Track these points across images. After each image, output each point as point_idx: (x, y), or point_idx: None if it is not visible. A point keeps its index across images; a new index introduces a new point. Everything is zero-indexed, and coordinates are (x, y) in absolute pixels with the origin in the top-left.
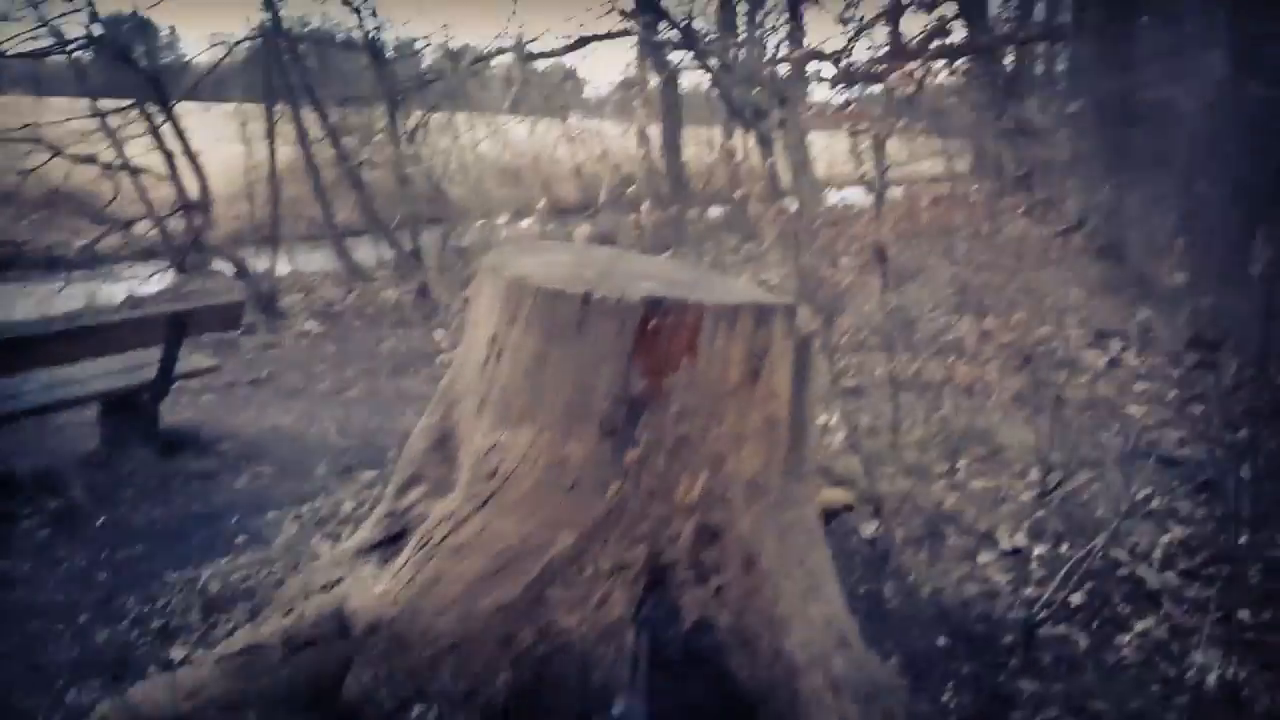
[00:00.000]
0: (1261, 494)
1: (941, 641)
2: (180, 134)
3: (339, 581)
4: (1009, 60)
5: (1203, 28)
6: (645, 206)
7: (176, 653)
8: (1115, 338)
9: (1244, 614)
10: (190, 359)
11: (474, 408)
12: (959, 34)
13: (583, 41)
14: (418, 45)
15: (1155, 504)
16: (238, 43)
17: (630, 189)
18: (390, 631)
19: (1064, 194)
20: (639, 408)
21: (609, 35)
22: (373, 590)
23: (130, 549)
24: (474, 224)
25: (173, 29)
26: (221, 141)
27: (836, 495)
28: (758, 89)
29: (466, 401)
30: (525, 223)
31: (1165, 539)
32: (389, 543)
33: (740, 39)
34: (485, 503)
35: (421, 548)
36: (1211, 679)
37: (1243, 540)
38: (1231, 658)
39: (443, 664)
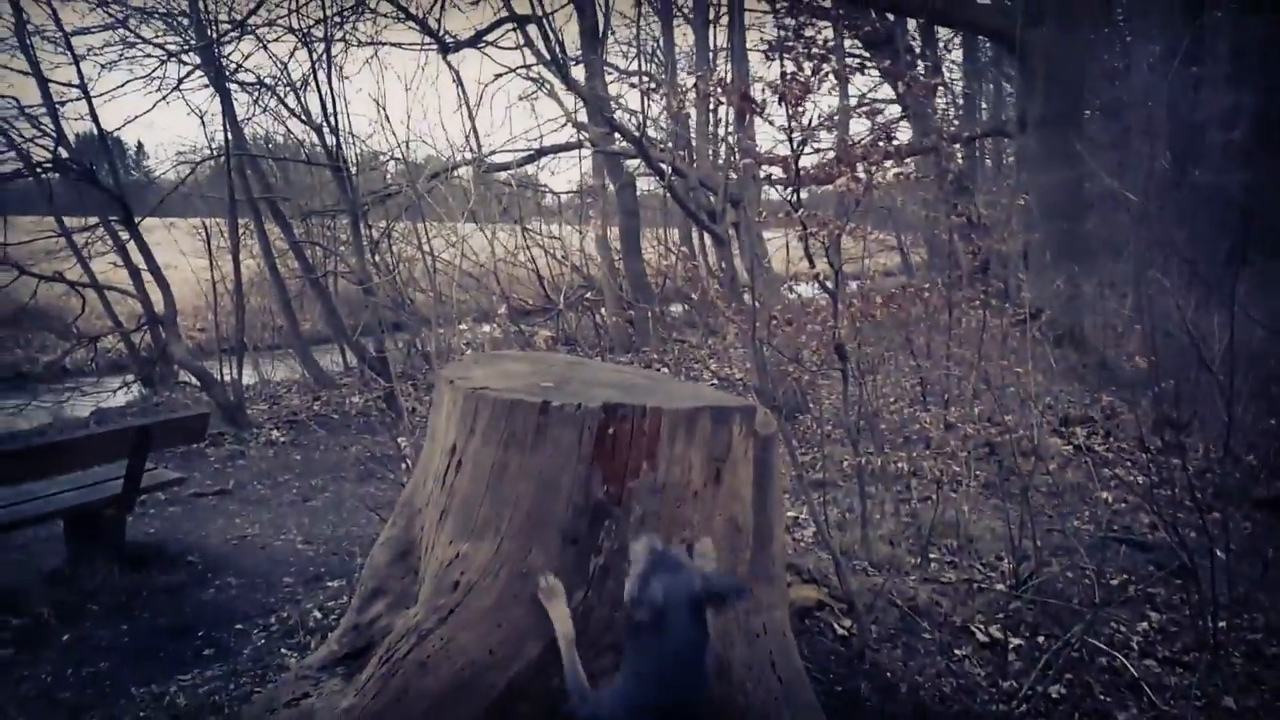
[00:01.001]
0: (1237, 576)
1: None
2: (145, 249)
3: (304, 697)
4: (958, 157)
5: (1142, 119)
6: (605, 308)
7: None
8: (1080, 425)
9: (1229, 701)
10: (156, 472)
11: (435, 519)
12: (905, 135)
13: (540, 153)
14: (379, 159)
15: (1131, 591)
16: (201, 161)
17: (590, 292)
18: None
19: (1019, 284)
20: (601, 515)
21: (565, 146)
22: (339, 705)
23: (95, 665)
24: (437, 330)
25: (140, 145)
26: (187, 256)
27: (808, 593)
28: (711, 193)
29: (428, 512)
30: (487, 328)
31: (1143, 625)
32: (354, 656)
33: (693, 144)
34: (449, 615)
35: (386, 662)
36: None
37: (1222, 624)
38: None
39: None
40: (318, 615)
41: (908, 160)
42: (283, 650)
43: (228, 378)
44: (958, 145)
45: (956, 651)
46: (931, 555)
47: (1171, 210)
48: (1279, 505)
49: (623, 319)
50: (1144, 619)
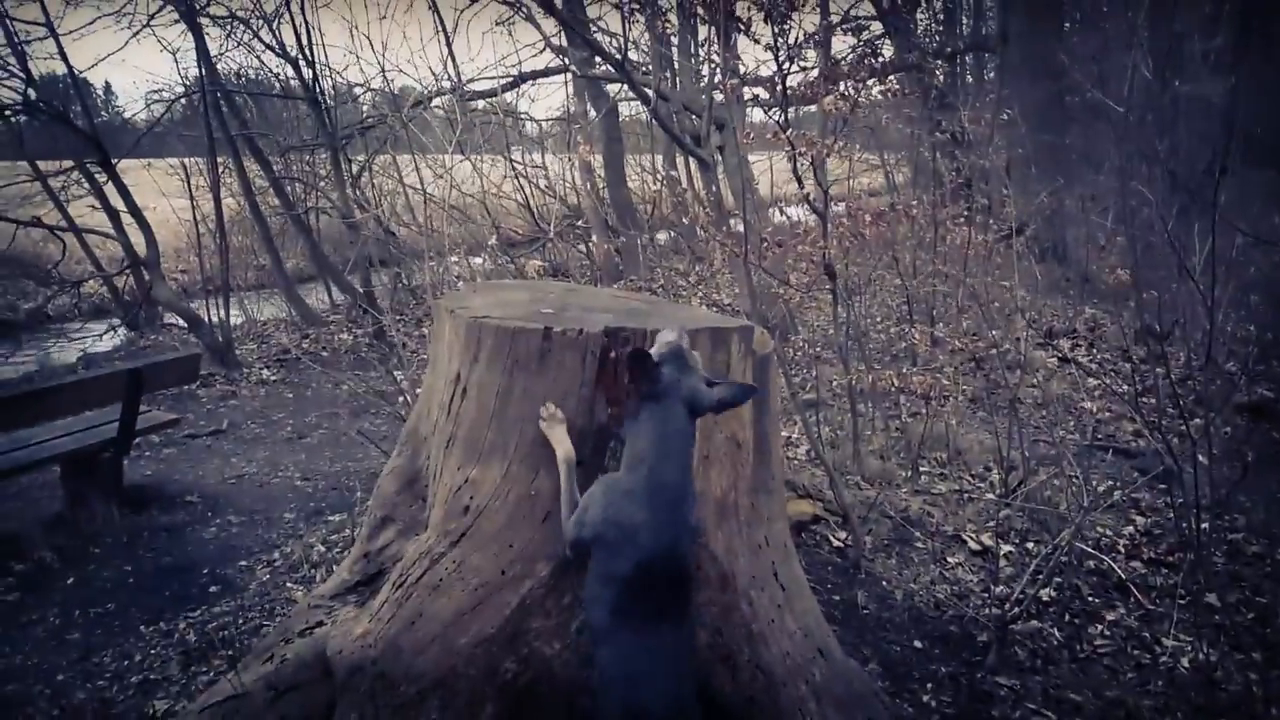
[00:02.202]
0: (1219, 480)
1: (918, 644)
2: (124, 191)
3: (318, 625)
4: (940, 74)
5: (1124, 30)
6: (594, 237)
7: (158, 705)
8: (1065, 337)
9: (1211, 598)
10: (150, 414)
11: (442, 445)
12: (889, 52)
13: (520, 79)
14: (356, 91)
15: (1116, 496)
16: (176, 99)
17: (578, 221)
18: (374, 671)
19: (1002, 200)
20: (605, 437)
21: (545, 72)
22: (353, 631)
23: (102, 606)
24: (429, 263)
25: (108, 85)
26: (166, 196)
27: (804, 508)
28: (695, 116)
29: (434, 440)
30: (477, 260)
31: (1129, 529)
32: (365, 583)
33: (675, 67)
34: (460, 539)
35: (399, 586)
36: (1184, 663)
37: (1204, 526)
38: (1202, 641)
39: (429, 700)
40: (321, 549)
41: (891, 78)
42: (288, 584)
43: (214, 318)
44: (940, 61)
45: (949, 559)
46: (922, 468)
47: (1153, 121)
48: (1258, 410)
49: (610, 247)
50: (1129, 523)
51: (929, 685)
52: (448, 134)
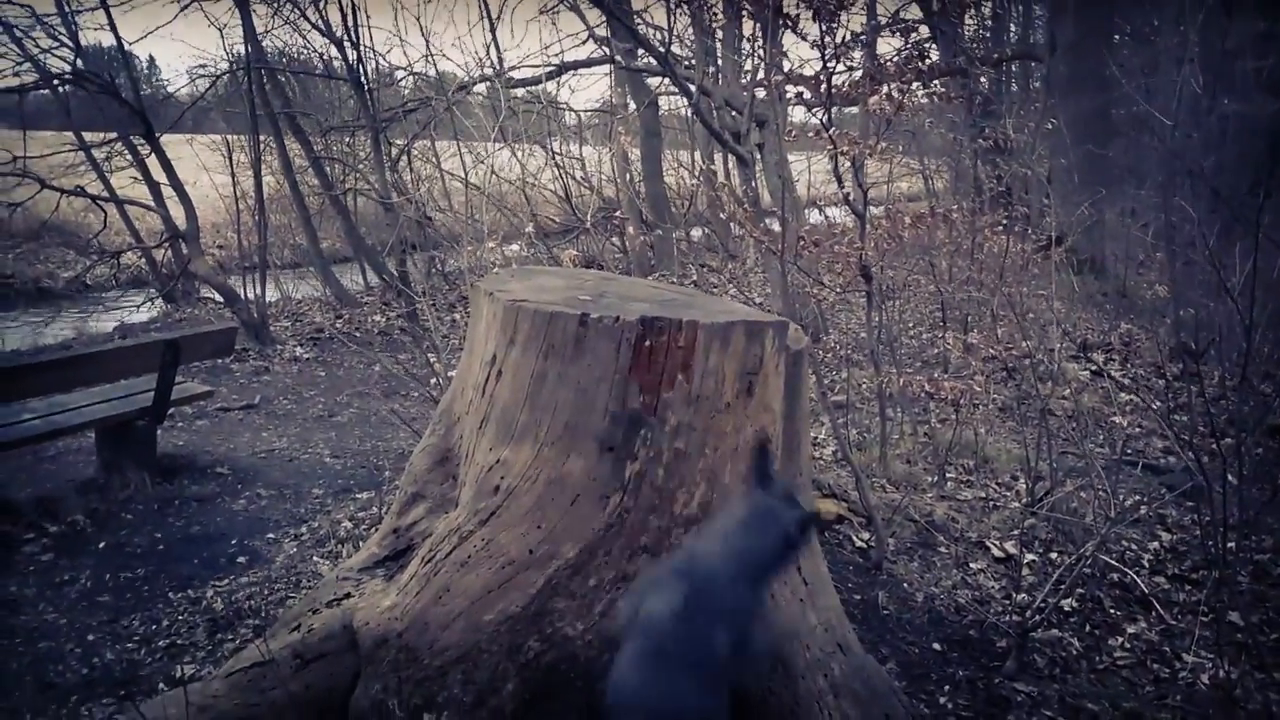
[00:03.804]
0: (1247, 500)
1: (937, 646)
2: (167, 164)
3: (346, 597)
4: (985, 80)
5: (1175, 45)
6: (629, 230)
7: (185, 670)
8: (1099, 350)
9: (1234, 616)
10: (185, 385)
11: (475, 426)
12: (935, 55)
13: (562, 69)
14: (399, 74)
15: (1143, 511)
16: (220, 75)
17: (614, 213)
18: (399, 644)
19: (1042, 210)
20: (637, 424)
21: (587, 63)
22: (380, 604)
23: (133, 571)
24: (461, 249)
25: (151, 59)
26: (207, 172)
27: (829, 507)
28: (736, 113)
29: (467, 420)
30: (513, 247)
31: (1154, 545)
32: (394, 558)
33: (718, 63)
34: (490, 518)
35: (428, 562)
36: (1204, 679)
37: (1230, 545)
38: (1223, 659)
39: (451, 674)
40: (348, 525)
41: (936, 82)
42: (315, 558)
43: (250, 294)
44: (986, 68)
45: (972, 565)
46: (949, 474)
47: (1199, 138)
48: None
49: (645, 241)
50: (1155, 538)
51: (946, 687)
52: (489, 120)
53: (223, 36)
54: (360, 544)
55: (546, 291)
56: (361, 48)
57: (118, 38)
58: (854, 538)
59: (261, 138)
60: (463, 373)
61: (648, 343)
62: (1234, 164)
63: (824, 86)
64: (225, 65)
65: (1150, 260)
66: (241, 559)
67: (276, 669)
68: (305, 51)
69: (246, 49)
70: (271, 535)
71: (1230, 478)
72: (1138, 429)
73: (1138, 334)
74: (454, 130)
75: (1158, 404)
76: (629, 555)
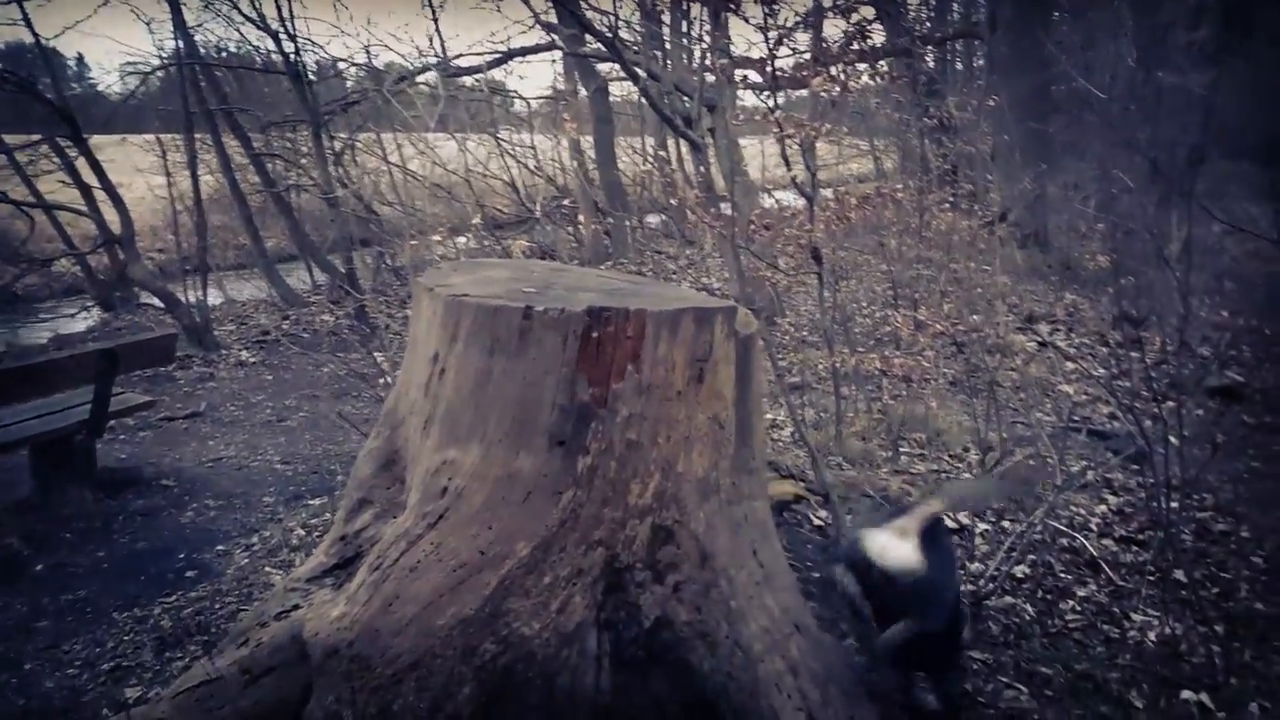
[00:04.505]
0: (1189, 460)
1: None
2: (97, 167)
3: (294, 608)
4: (929, 59)
5: (1110, 20)
6: (583, 218)
7: (130, 693)
8: (1044, 321)
9: (1179, 574)
10: (125, 395)
11: (420, 427)
12: (879, 37)
13: (508, 56)
14: (340, 66)
15: (1090, 476)
16: (151, 71)
17: (566, 201)
18: (350, 653)
19: (987, 186)
20: (587, 416)
21: (534, 49)
22: (330, 614)
23: (74, 592)
24: (408, 244)
25: (80, 57)
26: (142, 173)
27: (786, 488)
28: (686, 98)
29: (411, 421)
30: (461, 239)
31: (1101, 508)
32: (342, 567)
33: (666, 47)
34: (438, 521)
35: (376, 569)
36: (1151, 636)
37: (1174, 505)
38: (1169, 616)
39: (405, 681)
40: (300, 533)
41: (881, 62)
42: (267, 569)
43: (192, 298)
44: (930, 47)
45: None
46: (902, 449)
47: (1136, 110)
48: (1229, 393)
49: (599, 229)
50: (1102, 502)
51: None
52: (431, 111)
53: (151, 31)
54: (314, 551)
55: (491, 284)
56: (298, 40)
57: (34, 33)
58: (812, 516)
59: (198, 136)
60: (406, 373)
61: (595, 334)
62: (1169, 135)
63: (769, 69)
64: (157, 61)
65: (1092, 232)
66: (190, 573)
67: (225, 686)
68: (242, 45)
69: (177, 44)
70: (221, 547)
71: (1172, 439)
72: (1083, 396)
73: (1081, 304)
74: (395, 122)
75: (1102, 371)
76: (584, 550)
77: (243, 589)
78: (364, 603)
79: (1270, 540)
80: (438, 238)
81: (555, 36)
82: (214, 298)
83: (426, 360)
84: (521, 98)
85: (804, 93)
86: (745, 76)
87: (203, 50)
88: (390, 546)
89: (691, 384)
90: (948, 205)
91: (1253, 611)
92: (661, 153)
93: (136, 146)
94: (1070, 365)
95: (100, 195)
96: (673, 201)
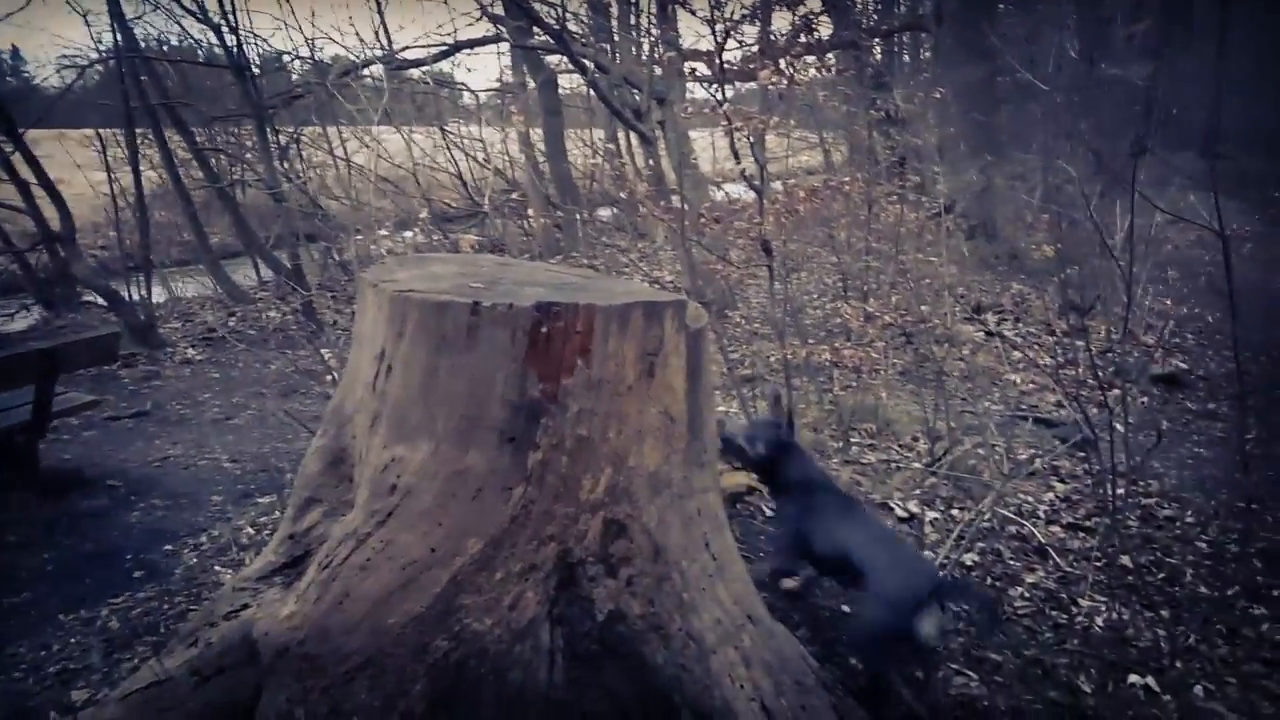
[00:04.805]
0: (1134, 448)
1: (846, 609)
2: (34, 162)
3: (243, 608)
4: (876, 52)
5: (1053, 13)
6: (532, 211)
7: (78, 695)
8: (991, 311)
9: (1125, 560)
10: (68, 395)
11: (367, 425)
12: (827, 30)
13: (454, 48)
14: (284, 59)
15: (1037, 464)
16: (89, 65)
17: (515, 194)
18: (301, 652)
19: (934, 178)
20: (537, 412)
21: (481, 41)
22: (279, 613)
23: (18, 596)
24: (356, 237)
25: (15, 50)
26: (81, 169)
27: (739, 479)
28: (636, 90)
29: (359, 419)
30: (408, 234)
31: (1049, 496)
32: (292, 565)
33: (615, 40)
34: (387, 519)
35: (325, 568)
36: (1099, 621)
37: (1120, 491)
38: (1116, 601)
39: (358, 680)
40: (250, 532)
41: (829, 55)
42: (217, 568)
43: (135, 296)
44: (876, 40)
45: None
46: (853, 439)
47: (1079, 102)
48: (1172, 381)
49: (550, 222)
50: (1049, 490)
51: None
52: (377, 104)
53: (88, 23)
54: (263, 551)
55: (437, 280)
56: (241, 33)
57: None
58: (764, 508)
59: (139, 131)
60: (352, 369)
61: (544, 329)
62: (1112, 126)
63: (717, 62)
64: (95, 55)
65: (1037, 222)
66: (138, 574)
67: (174, 687)
68: (184, 39)
69: (115, 36)
70: (169, 547)
71: (1117, 427)
72: (1030, 385)
73: (1028, 294)
74: (340, 116)
75: (1048, 360)
76: (536, 545)
77: (192, 589)
78: (314, 601)
79: (1214, 525)
80: (384, 232)
81: (503, 29)
82: (158, 295)
83: (373, 357)
84: (469, 90)
85: (752, 85)
86: (694, 69)
87: (143, 44)
88: (339, 545)
89: (642, 378)
90: (895, 197)
91: (1197, 595)
92: (610, 145)
93: (75, 142)
94: (1017, 355)
95: (39, 192)
96: (623, 195)
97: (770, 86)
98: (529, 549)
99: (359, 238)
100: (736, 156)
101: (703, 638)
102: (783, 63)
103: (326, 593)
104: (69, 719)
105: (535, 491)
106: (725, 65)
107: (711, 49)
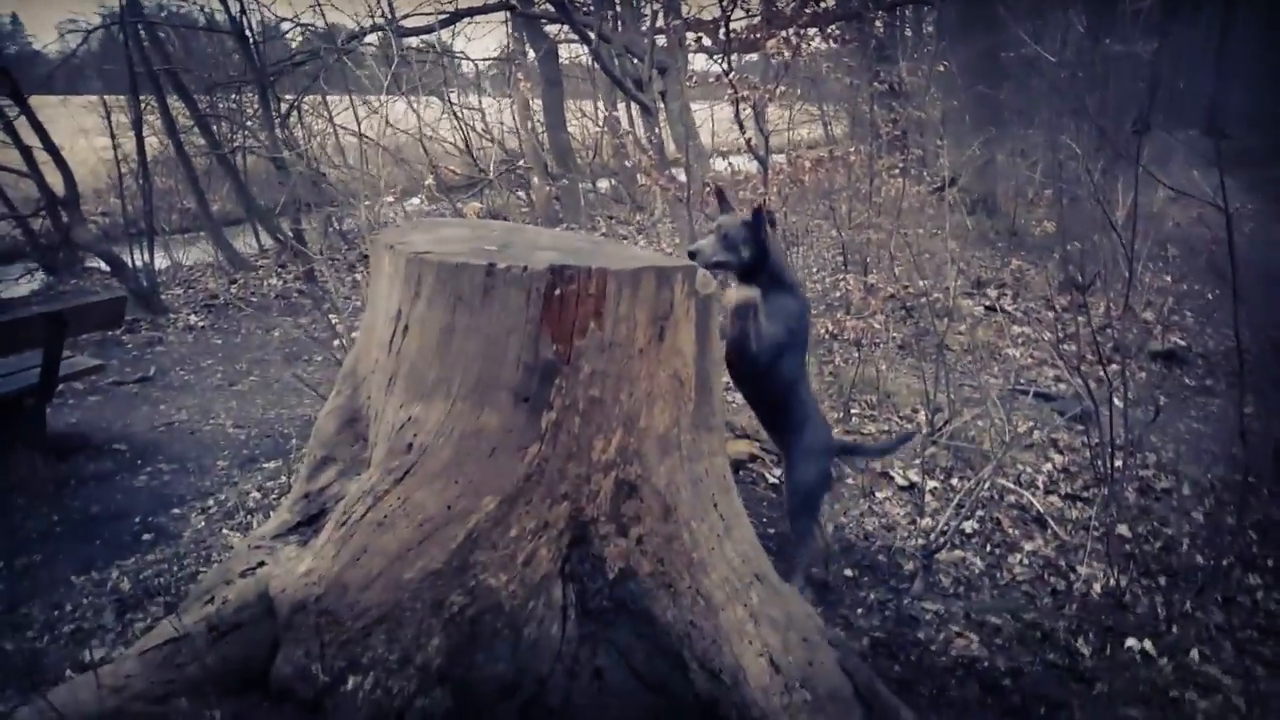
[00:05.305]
0: (1132, 421)
1: (848, 572)
2: (39, 127)
3: (260, 565)
4: (879, 24)
5: None
6: (535, 181)
7: (93, 654)
8: (992, 286)
9: (1122, 529)
10: (74, 359)
11: (383, 385)
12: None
13: (457, 16)
14: (286, 26)
15: (1036, 436)
16: (93, 30)
17: (518, 164)
18: (318, 608)
19: (936, 152)
20: (551, 373)
21: (483, 9)
22: (296, 570)
23: (29, 557)
24: (365, 204)
25: (15, 17)
26: (85, 134)
27: (741, 447)
28: (637, 60)
29: (374, 380)
30: (413, 201)
31: (1047, 467)
32: (307, 524)
33: (617, 9)
34: (404, 476)
35: (342, 524)
36: (1096, 588)
37: (1118, 464)
38: (1113, 568)
39: (375, 634)
40: (256, 496)
41: (832, 26)
42: (224, 531)
43: (139, 262)
44: (881, 12)
45: (877, 495)
46: (853, 410)
47: (1083, 77)
48: (1171, 356)
49: (550, 192)
50: (1048, 461)
51: (859, 610)
52: (382, 72)
53: None
54: (270, 514)
55: (451, 243)
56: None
57: None
58: (767, 475)
59: (142, 97)
60: (366, 331)
61: (558, 291)
62: (1116, 102)
63: (723, 32)
64: (98, 20)
65: (1039, 198)
66: (147, 537)
67: (191, 643)
68: (185, 4)
69: (120, 2)
70: (177, 510)
71: (1116, 401)
72: (1029, 359)
73: (1028, 269)
74: (345, 83)
75: (1048, 335)
76: (549, 504)
77: (201, 551)
78: (331, 557)
79: (1210, 498)
80: (390, 199)
81: None
82: (160, 261)
83: (389, 318)
84: (469, 59)
85: (753, 57)
86: (700, 38)
87: (146, 9)
88: (357, 502)
89: (653, 341)
90: (897, 171)
91: (1193, 564)
92: (614, 113)
93: (78, 108)
94: (1017, 329)
95: (42, 157)
96: (627, 164)
97: (775, 58)
98: (543, 507)
99: (367, 204)
100: (741, 127)
101: (711, 595)
102: (789, 33)
103: (344, 549)
104: (88, 674)
105: (549, 451)
106: (731, 35)
107: (715, 18)
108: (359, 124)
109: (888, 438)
